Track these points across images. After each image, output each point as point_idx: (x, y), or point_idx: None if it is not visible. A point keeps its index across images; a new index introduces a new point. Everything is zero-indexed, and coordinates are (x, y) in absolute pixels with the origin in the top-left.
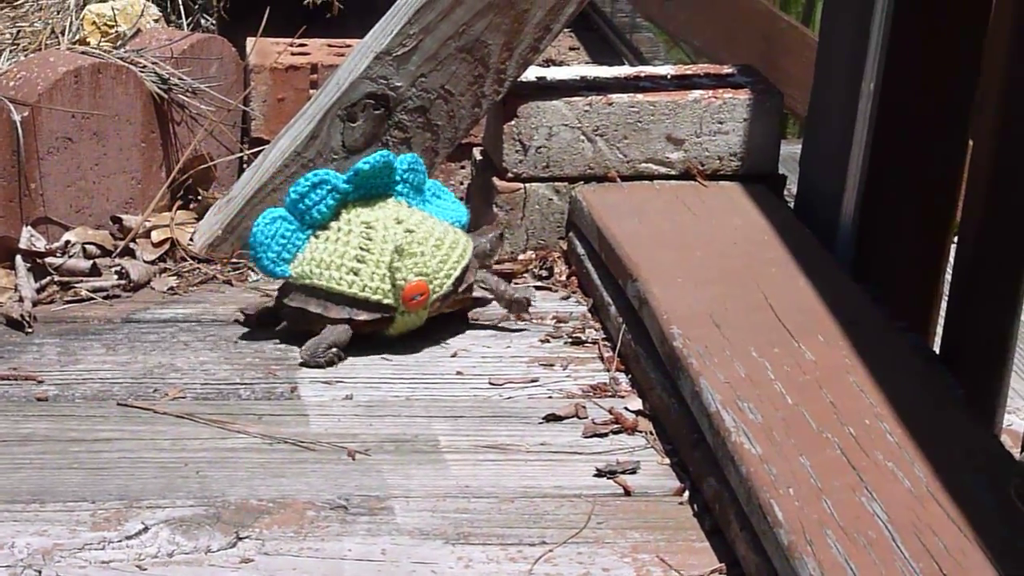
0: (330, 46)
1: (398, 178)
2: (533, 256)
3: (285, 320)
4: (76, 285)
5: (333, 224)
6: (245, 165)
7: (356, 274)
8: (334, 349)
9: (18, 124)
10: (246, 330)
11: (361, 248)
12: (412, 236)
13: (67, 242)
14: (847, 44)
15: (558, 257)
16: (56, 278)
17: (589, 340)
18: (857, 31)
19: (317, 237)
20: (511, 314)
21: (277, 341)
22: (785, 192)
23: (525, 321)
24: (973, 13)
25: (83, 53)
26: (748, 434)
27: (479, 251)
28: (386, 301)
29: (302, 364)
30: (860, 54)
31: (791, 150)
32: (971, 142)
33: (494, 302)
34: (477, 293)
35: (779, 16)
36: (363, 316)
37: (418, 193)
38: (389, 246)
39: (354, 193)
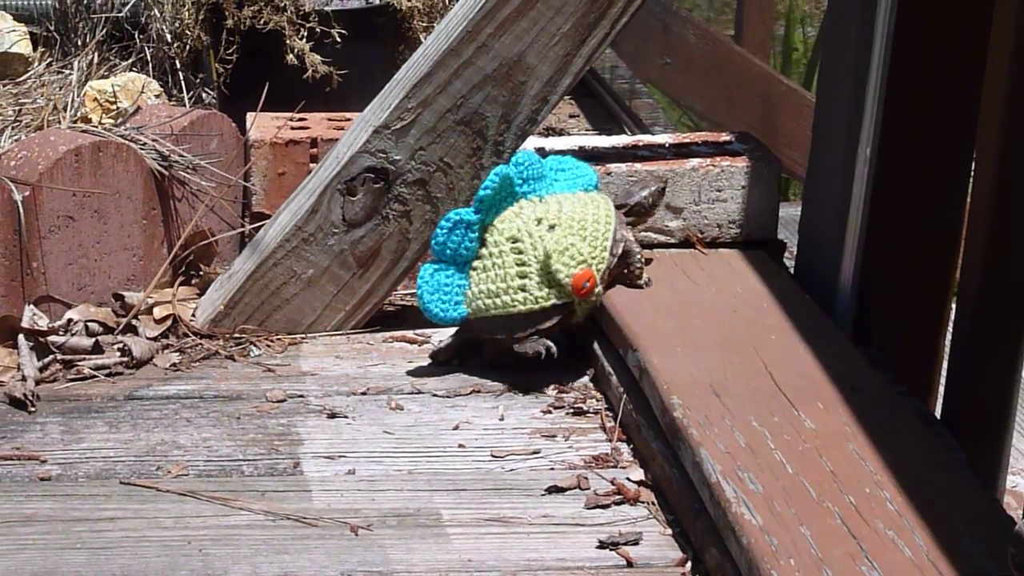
0: (330, 120)
1: (520, 181)
2: None
3: (485, 352)
4: (79, 363)
5: (483, 251)
6: (246, 240)
7: (524, 290)
8: (543, 342)
9: (19, 204)
10: (249, 406)
11: (517, 265)
12: (555, 232)
13: (69, 320)
14: (843, 110)
15: None
16: (59, 356)
17: (591, 410)
18: (852, 97)
19: (475, 270)
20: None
21: (280, 417)
22: (787, 254)
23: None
24: (968, 78)
25: (83, 131)
26: (749, 504)
27: (637, 207)
28: (561, 301)
29: (520, 353)
30: (856, 119)
31: (792, 213)
32: (968, 205)
33: None
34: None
35: (779, 79)
36: (547, 324)
37: (541, 181)
38: (540, 251)
39: (488, 217)
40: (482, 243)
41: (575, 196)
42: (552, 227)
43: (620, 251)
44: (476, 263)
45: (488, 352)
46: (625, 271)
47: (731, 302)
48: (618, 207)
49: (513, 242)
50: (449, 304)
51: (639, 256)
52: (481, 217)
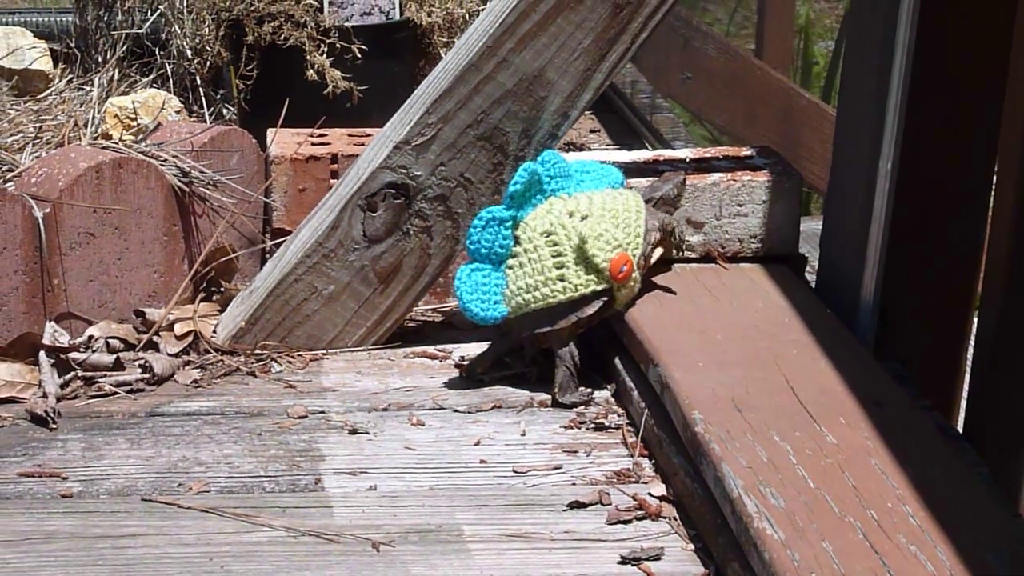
0: (350, 136)
1: (547, 178)
2: None
3: (526, 350)
4: (100, 380)
5: (517, 249)
6: (267, 256)
7: (563, 280)
8: (582, 389)
9: (40, 220)
10: (270, 422)
11: (553, 256)
12: (588, 221)
13: (90, 337)
14: (864, 124)
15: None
16: (80, 373)
17: (612, 425)
18: (873, 111)
19: (511, 268)
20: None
21: (301, 433)
22: (808, 268)
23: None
24: (990, 91)
25: (104, 148)
26: (770, 519)
27: (665, 197)
28: (600, 287)
29: (570, 405)
30: (877, 134)
31: (814, 227)
32: (990, 218)
33: None
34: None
35: (800, 93)
36: (589, 311)
37: (568, 179)
38: (575, 239)
39: (520, 213)
40: (516, 241)
41: (603, 191)
42: (584, 218)
43: (653, 242)
44: (511, 261)
45: (528, 351)
46: (671, 248)
47: (752, 317)
48: (645, 201)
49: (547, 235)
50: (489, 303)
51: (679, 229)
52: (513, 213)
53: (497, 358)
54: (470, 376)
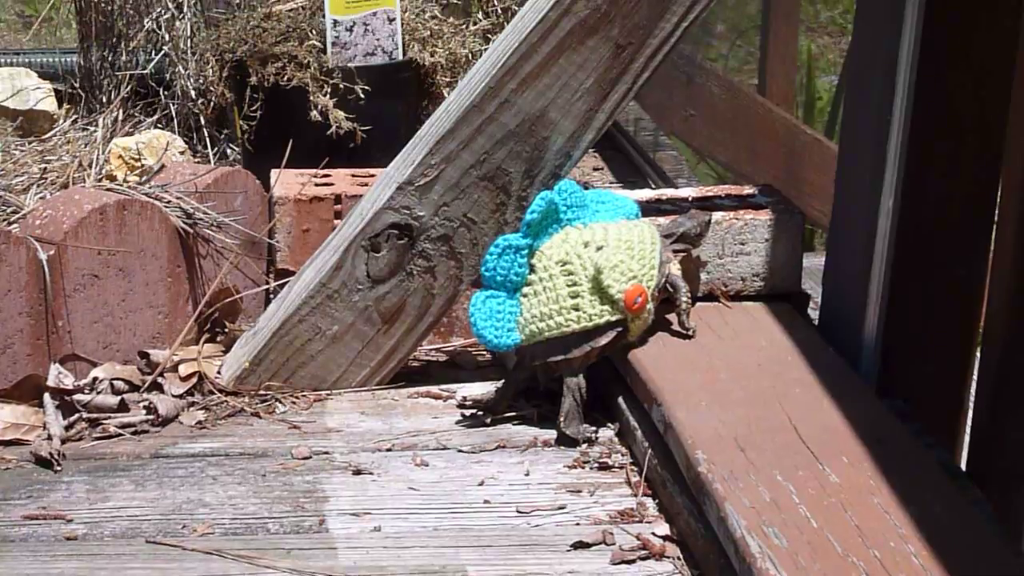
0: (354, 176)
1: (564, 208)
2: None
3: (540, 378)
4: (104, 421)
5: (532, 277)
6: (271, 297)
7: (577, 309)
8: (586, 426)
9: (44, 263)
10: (274, 463)
11: (568, 285)
12: (604, 252)
13: (95, 378)
14: (865, 163)
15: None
16: (84, 415)
17: (616, 465)
18: (875, 151)
19: (525, 296)
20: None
21: (305, 474)
22: (812, 304)
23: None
24: (991, 130)
25: (108, 190)
26: (774, 560)
27: (686, 233)
28: (615, 318)
29: (573, 436)
30: (878, 173)
31: (817, 263)
32: (992, 256)
33: None
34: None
35: (802, 130)
36: (603, 341)
37: (584, 209)
38: (591, 269)
39: (536, 242)
40: (531, 270)
41: (618, 222)
42: (600, 248)
43: (667, 272)
44: (526, 289)
45: (542, 379)
46: (675, 309)
47: (755, 356)
48: (665, 236)
49: (563, 265)
50: (503, 331)
51: (686, 291)
52: (529, 241)
53: (516, 392)
54: (493, 414)
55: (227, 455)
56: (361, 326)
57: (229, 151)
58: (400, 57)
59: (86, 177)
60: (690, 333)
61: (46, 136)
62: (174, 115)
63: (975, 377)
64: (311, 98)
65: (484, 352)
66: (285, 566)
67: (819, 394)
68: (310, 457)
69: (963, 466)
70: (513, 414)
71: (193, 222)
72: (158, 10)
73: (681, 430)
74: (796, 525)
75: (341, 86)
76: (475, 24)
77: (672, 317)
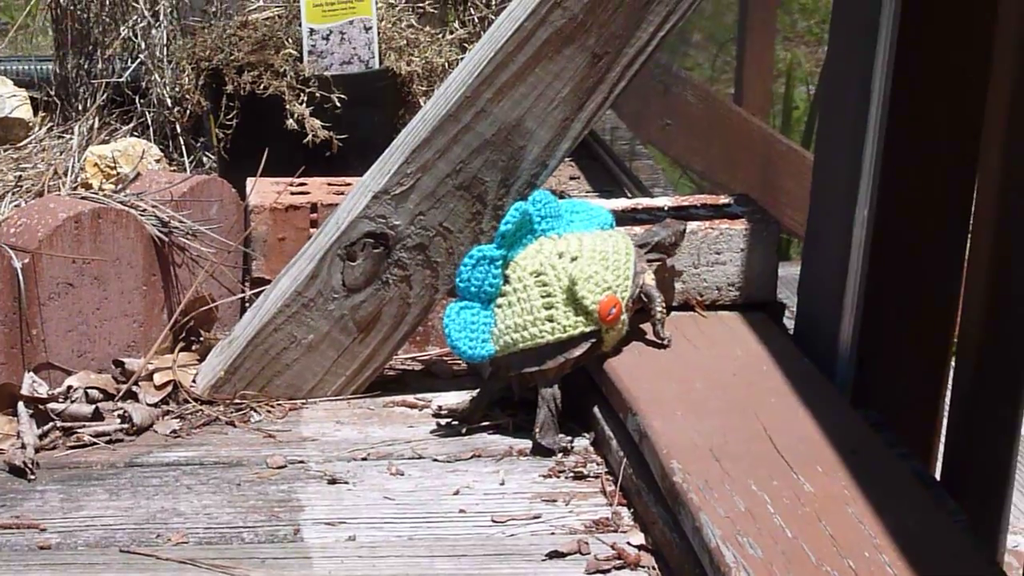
0: (330, 185)
1: (538, 218)
2: None
3: (515, 388)
4: (79, 430)
5: (507, 288)
6: (247, 305)
7: (552, 320)
8: (561, 436)
9: (19, 271)
10: (249, 472)
11: (543, 296)
12: (578, 263)
13: (69, 387)
14: (840, 173)
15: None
16: (59, 424)
17: (591, 474)
18: (850, 160)
19: (500, 307)
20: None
21: (280, 483)
22: (787, 314)
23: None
24: (966, 141)
25: (83, 198)
26: (748, 570)
27: (661, 242)
28: (589, 329)
29: (549, 446)
30: (853, 183)
31: (793, 272)
32: (966, 266)
33: None
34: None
35: (779, 139)
36: (577, 352)
37: (558, 219)
38: (565, 280)
39: (510, 252)
40: (505, 280)
41: (593, 233)
42: (574, 259)
43: (641, 283)
44: (500, 300)
45: (517, 390)
46: (650, 319)
47: (731, 365)
48: (640, 245)
49: (537, 276)
50: (477, 342)
51: (660, 301)
52: (503, 252)
53: (491, 402)
54: (469, 423)
55: (202, 464)
56: (337, 335)
57: (205, 159)
58: (376, 66)
59: (61, 185)
60: (665, 343)
61: (21, 144)
62: (150, 123)
63: (950, 387)
64: (287, 107)
65: (460, 361)
66: (260, 575)
67: (794, 404)
68: (285, 466)
69: (938, 476)
70: (488, 423)
71: (168, 231)
72: (134, 18)
73: (656, 440)
74: (771, 535)
75: (317, 95)
76: (452, 33)
77: (647, 327)
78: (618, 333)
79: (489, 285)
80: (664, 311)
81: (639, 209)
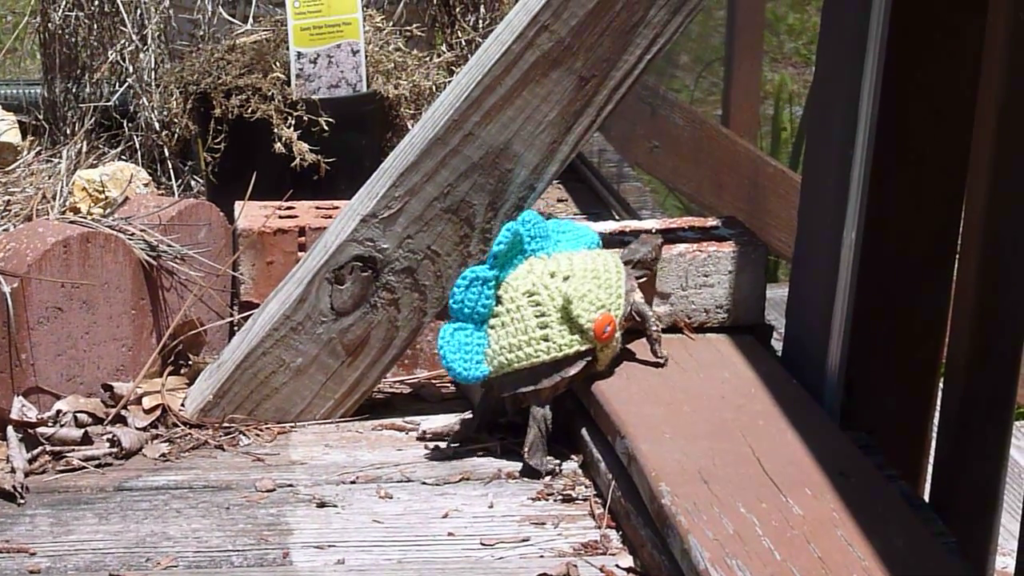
0: (318, 208)
1: (528, 239)
2: None
3: (508, 409)
4: (68, 454)
5: (499, 309)
6: (235, 329)
7: (547, 340)
8: (550, 458)
9: (8, 296)
10: (238, 496)
11: (536, 316)
12: (571, 282)
13: (58, 411)
14: (828, 196)
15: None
16: (48, 448)
17: (580, 497)
18: (837, 183)
19: (493, 328)
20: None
21: (269, 507)
22: (775, 335)
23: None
24: (953, 164)
25: (72, 222)
26: None
27: (642, 259)
28: (584, 347)
29: (537, 467)
30: (841, 205)
31: (781, 294)
32: (954, 288)
33: None
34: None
35: (767, 161)
36: (572, 371)
37: (547, 239)
38: (559, 300)
39: (503, 273)
40: (497, 301)
41: (582, 252)
42: (567, 278)
43: (632, 300)
44: (493, 321)
45: (511, 410)
46: (646, 337)
47: (719, 388)
48: (624, 263)
49: (530, 296)
50: (471, 363)
51: (654, 319)
52: (496, 273)
53: (485, 422)
54: (462, 443)
55: (191, 488)
56: (325, 358)
57: (193, 183)
58: (364, 89)
59: (50, 209)
60: (662, 361)
61: (10, 168)
62: (138, 147)
63: (938, 409)
64: (275, 130)
65: (448, 384)
66: None
67: (783, 426)
68: (274, 490)
69: (926, 498)
70: (477, 446)
71: (157, 255)
72: (122, 42)
73: (645, 462)
74: (759, 557)
75: (305, 118)
76: (439, 56)
77: (635, 347)
78: (612, 351)
79: (482, 306)
80: (659, 329)
81: (627, 231)
